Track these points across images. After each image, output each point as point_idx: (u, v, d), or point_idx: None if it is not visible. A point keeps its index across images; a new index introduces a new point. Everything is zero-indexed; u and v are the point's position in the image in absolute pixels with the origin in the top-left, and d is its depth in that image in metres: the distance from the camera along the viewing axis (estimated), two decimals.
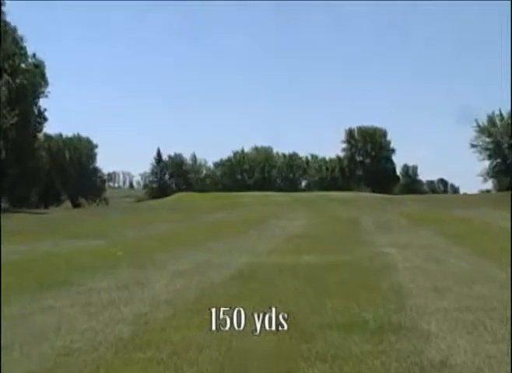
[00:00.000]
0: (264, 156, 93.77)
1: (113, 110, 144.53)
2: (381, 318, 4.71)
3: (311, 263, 8.44)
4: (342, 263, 8.40)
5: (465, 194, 67.81)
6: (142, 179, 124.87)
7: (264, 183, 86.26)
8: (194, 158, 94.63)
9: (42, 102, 44.14)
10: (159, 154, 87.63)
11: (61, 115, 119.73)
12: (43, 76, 42.88)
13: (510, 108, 59.16)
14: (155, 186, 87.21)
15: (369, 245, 11.40)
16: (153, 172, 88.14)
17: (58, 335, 4.32)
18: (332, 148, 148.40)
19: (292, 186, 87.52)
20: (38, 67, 41.96)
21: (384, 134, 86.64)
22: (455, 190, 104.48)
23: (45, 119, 45.95)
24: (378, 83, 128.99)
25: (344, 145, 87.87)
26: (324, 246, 11.17)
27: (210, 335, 4.23)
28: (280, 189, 76.90)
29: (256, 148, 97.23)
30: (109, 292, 6.08)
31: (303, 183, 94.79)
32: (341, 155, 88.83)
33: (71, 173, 71.63)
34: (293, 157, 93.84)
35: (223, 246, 11.51)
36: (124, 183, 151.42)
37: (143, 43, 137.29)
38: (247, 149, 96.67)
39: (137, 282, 6.76)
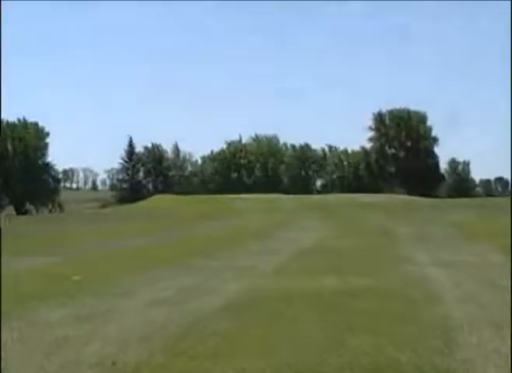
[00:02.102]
0: (267, 148, 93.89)
1: (71, 89, 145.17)
2: (421, 359, 4.70)
3: (329, 288, 8.44)
4: (370, 289, 8.40)
5: None
6: (108, 177, 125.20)
7: (268, 183, 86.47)
8: (176, 150, 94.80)
9: None
10: (131, 145, 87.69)
11: (2, 95, 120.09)
12: None
13: None
14: (125, 186, 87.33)
15: (405, 264, 11.39)
16: (123, 169, 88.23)
17: None
18: (356, 137, 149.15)
19: (303, 186, 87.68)
20: None
21: (422, 118, 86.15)
22: None
23: None
24: (413, 54, 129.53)
25: (371, 133, 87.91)
26: (346, 266, 11.15)
27: None
28: (288, 191, 76.88)
29: (257, 138, 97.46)
30: (64, 327, 6.06)
31: (319, 183, 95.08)
32: (368, 146, 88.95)
33: (15, 170, 71.61)
34: (305, 149, 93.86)
35: (214, 266, 11.51)
36: (86, 182, 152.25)
37: (112, 16, 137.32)
38: (245, 139, 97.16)
39: (101, 314, 6.74)
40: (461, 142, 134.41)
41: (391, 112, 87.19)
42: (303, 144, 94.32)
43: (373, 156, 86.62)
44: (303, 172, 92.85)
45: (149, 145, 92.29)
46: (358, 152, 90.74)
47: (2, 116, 76.03)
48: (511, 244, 11.87)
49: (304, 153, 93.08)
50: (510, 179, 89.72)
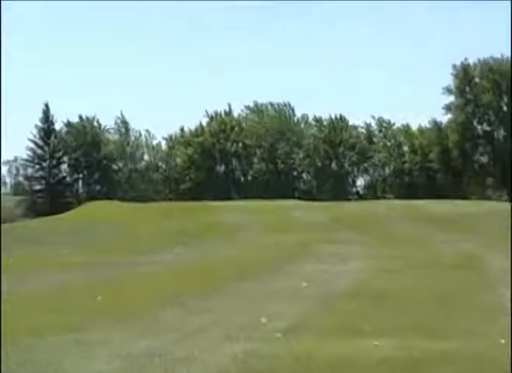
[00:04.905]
0: (274, 124, 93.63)
1: None
2: None
3: (380, 357, 8.52)
4: (447, 357, 8.47)
5: None
6: (9, 173, 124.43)
7: (277, 182, 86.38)
8: (123, 127, 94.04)
9: None
10: (47, 118, 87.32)
11: None
12: None
13: None
14: (39, 188, 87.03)
15: (503, 317, 11.45)
16: (35, 159, 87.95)
17: None
18: (423, 105, 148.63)
19: (336, 187, 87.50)
20: None
21: None
22: None
23: None
24: None
25: (450, 99, 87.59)
26: (406, 321, 11.22)
27: None
28: (309, 195, 76.76)
29: (257, 108, 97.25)
30: None
31: (361, 182, 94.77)
32: (444, 119, 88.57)
33: None
34: (338, 125, 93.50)
35: (189, 320, 11.62)
36: None
37: None
38: (238, 110, 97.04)
39: None
40: None
41: (483, 62, 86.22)
42: (333, 116, 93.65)
43: (454, 137, 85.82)
44: (334, 164, 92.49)
45: (76, 119, 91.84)
46: (427, 130, 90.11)
47: None
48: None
49: (336, 132, 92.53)
50: None
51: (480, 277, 18.12)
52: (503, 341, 9.47)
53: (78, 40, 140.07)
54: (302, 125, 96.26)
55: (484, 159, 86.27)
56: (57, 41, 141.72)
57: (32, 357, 8.88)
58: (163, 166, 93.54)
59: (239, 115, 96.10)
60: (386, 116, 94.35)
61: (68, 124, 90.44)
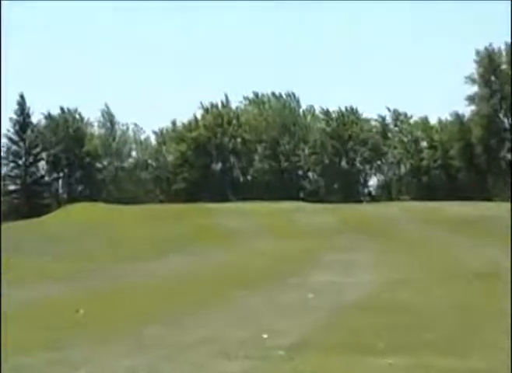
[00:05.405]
0: (277, 117, 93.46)
1: None
2: None
3: None
4: None
5: None
6: None
7: (279, 182, 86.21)
8: (108, 120, 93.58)
9: None
10: (22, 110, 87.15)
11: None
12: None
13: None
14: (14, 188, 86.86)
15: None
16: (9, 156, 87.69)
17: None
18: (443, 95, 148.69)
19: (345, 187, 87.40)
20: None
21: None
22: None
23: None
24: None
25: (473, 89, 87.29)
26: (424, 336, 11.21)
27: None
28: (316, 196, 76.65)
29: (257, 99, 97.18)
30: None
31: (373, 181, 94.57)
32: (467, 111, 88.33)
33: None
34: (348, 118, 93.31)
35: (182, 334, 11.67)
36: None
37: None
38: (236, 102, 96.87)
39: None
40: None
41: (510, 48, 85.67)
42: (343, 108, 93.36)
43: (477, 131, 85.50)
44: (343, 162, 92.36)
45: (57, 111, 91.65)
46: (448, 124, 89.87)
47: None
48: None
49: (346, 125, 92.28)
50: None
51: (505, 287, 18.08)
52: None
53: (61, 27, 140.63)
54: (308, 118, 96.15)
55: (511, 156, 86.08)
56: (37, 28, 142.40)
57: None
58: (153, 164, 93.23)
59: (237, 107, 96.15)
60: (402, 109, 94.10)
61: (48, 117, 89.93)
